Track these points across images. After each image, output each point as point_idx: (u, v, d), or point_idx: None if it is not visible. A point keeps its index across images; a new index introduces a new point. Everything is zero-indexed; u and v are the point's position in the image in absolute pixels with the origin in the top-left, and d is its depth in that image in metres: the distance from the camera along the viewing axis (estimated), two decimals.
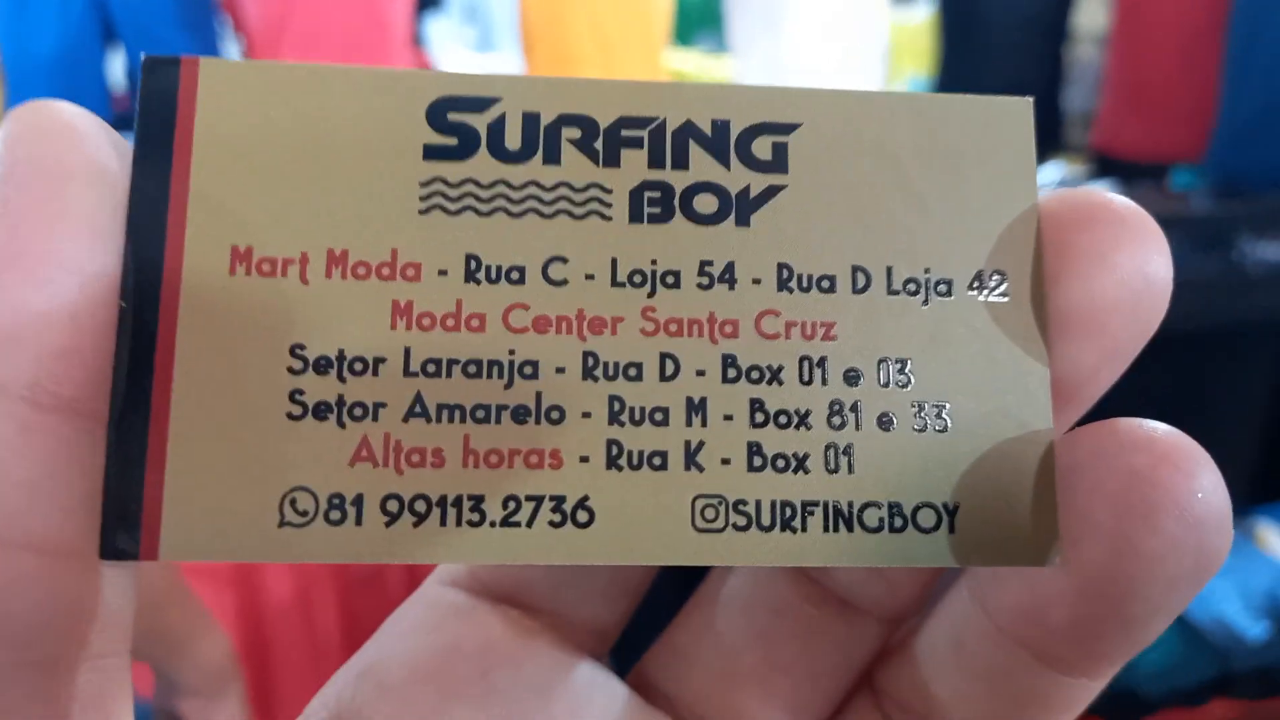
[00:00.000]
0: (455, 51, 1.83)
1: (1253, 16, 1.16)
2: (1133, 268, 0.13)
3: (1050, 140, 1.52)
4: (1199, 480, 0.12)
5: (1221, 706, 0.79)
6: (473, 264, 0.13)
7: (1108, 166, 1.37)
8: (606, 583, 0.16)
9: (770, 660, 0.15)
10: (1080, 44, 1.59)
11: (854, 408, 0.13)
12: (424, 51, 1.66)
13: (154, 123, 0.12)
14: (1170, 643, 0.79)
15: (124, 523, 0.11)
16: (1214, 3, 1.23)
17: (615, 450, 0.13)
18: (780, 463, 0.13)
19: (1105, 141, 1.41)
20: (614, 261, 0.13)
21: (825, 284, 0.13)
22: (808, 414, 0.13)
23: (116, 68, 1.44)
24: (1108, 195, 0.13)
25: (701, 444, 0.13)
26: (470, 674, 0.15)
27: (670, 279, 0.13)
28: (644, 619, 0.18)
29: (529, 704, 0.15)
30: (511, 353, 0.12)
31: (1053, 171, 1.26)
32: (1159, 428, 0.12)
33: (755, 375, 0.13)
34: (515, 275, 0.13)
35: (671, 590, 0.17)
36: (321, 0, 1.25)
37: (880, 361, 0.13)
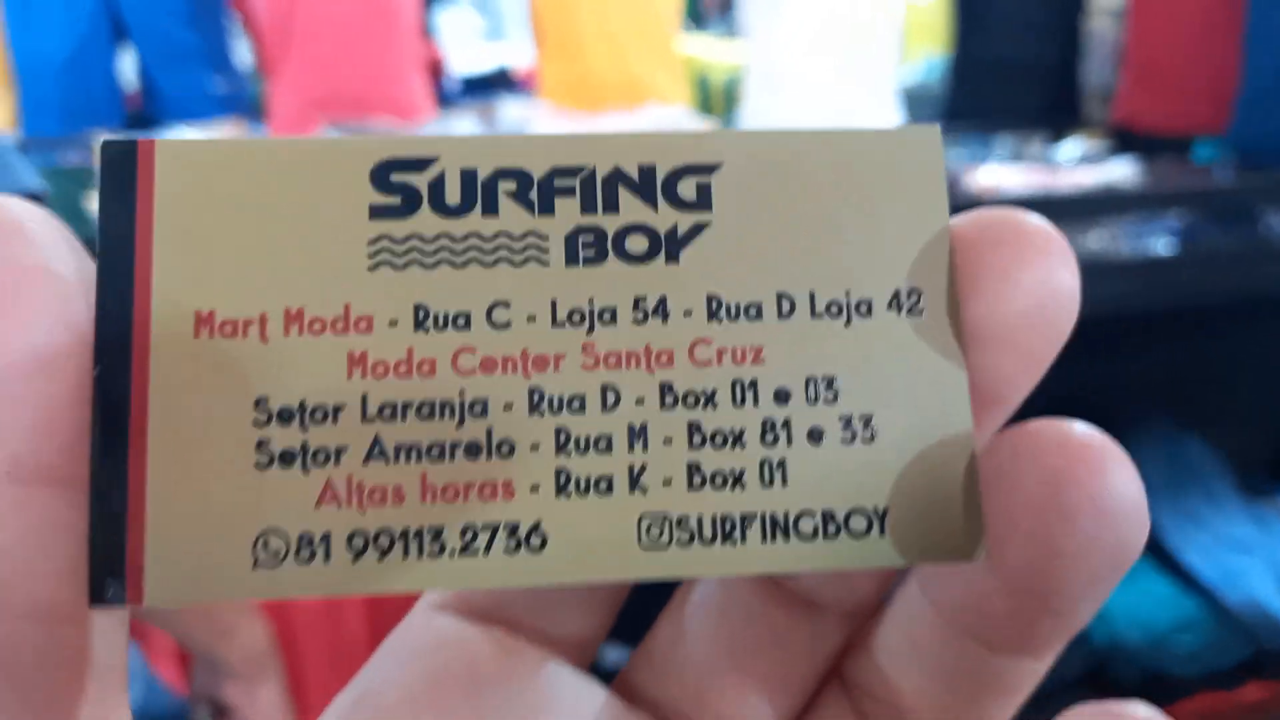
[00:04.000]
0: (465, 41, 1.83)
1: None
2: (1037, 282, 0.13)
3: (1069, 116, 1.50)
4: (1112, 477, 0.12)
5: (1256, 689, 0.78)
6: (421, 313, 0.13)
7: (1128, 141, 1.36)
8: (583, 598, 0.17)
9: (742, 662, 0.16)
10: (1097, 17, 1.57)
11: (785, 425, 0.14)
12: (434, 42, 1.66)
13: (115, 203, 0.13)
14: (1203, 624, 0.79)
15: (110, 575, 0.12)
16: None
17: (563, 478, 0.13)
18: (718, 480, 0.13)
19: (1125, 116, 1.40)
20: (554, 303, 0.14)
21: (752, 312, 0.14)
22: (742, 433, 0.14)
23: (128, 66, 1.44)
24: (1016, 214, 0.14)
25: (644, 467, 0.13)
26: (461, 694, 0.15)
27: (607, 316, 0.14)
28: (637, 624, 0.18)
29: (520, 718, 0.16)
30: (461, 393, 0.13)
31: (1072, 147, 1.25)
32: (1075, 427, 0.13)
33: (691, 400, 0.14)
34: (461, 321, 0.13)
35: (662, 596, 0.18)
36: None
37: (808, 380, 0.14)
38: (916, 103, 1.63)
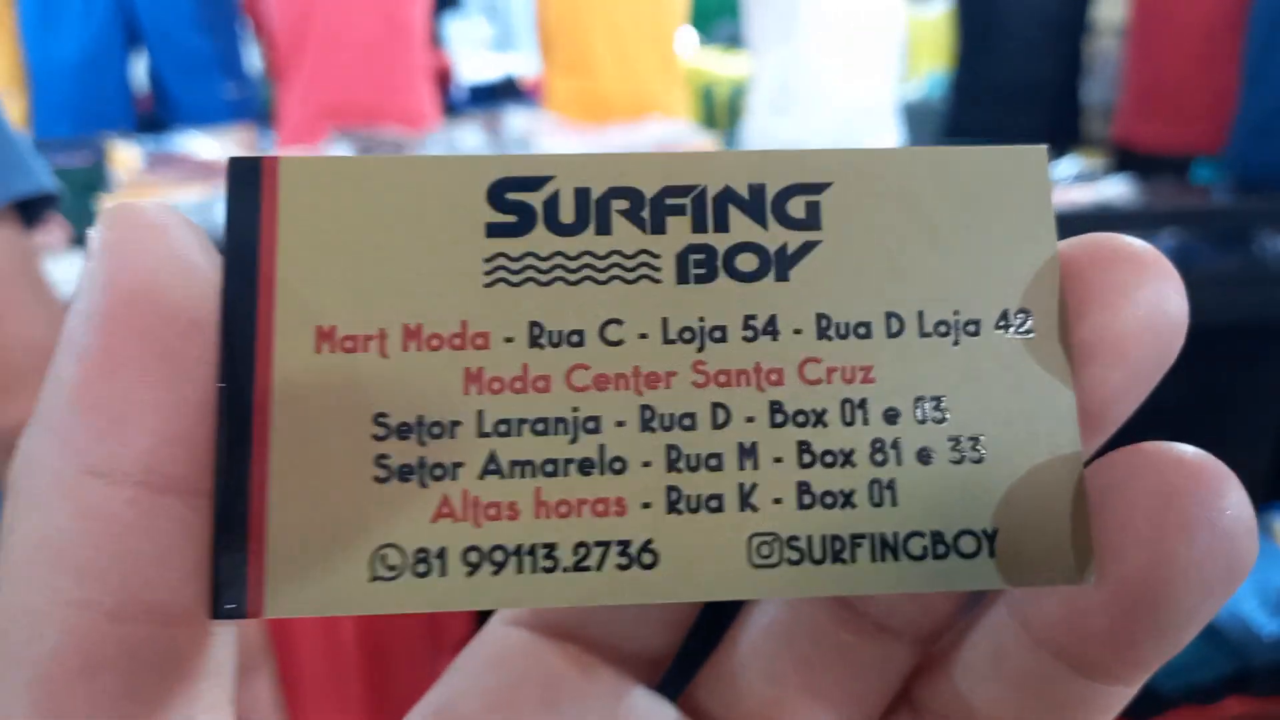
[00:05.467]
0: (474, 50, 1.84)
1: (1273, 10, 1.16)
2: (1153, 303, 0.14)
3: (1069, 134, 1.51)
4: (1228, 497, 0.13)
5: (1237, 704, 0.78)
6: (536, 330, 0.13)
7: (1127, 160, 1.36)
8: (657, 615, 0.17)
9: (811, 684, 0.16)
10: (1101, 37, 1.58)
11: (895, 444, 0.14)
12: (443, 52, 1.67)
13: (241, 217, 0.13)
14: None
15: (231, 587, 0.12)
16: None
17: (674, 495, 0.13)
18: (828, 499, 0.13)
19: (1125, 135, 1.41)
20: (665, 321, 0.14)
21: (862, 330, 0.14)
22: (852, 453, 0.14)
23: (140, 70, 1.45)
24: (1123, 238, 0.14)
25: (754, 485, 0.13)
26: (538, 705, 0.16)
27: (718, 334, 0.14)
28: (685, 645, 0.18)
29: None
30: (575, 410, 0.13)
31: (1070, 165, 1.26)
32: (1188, 450, 0.13)
33: (801, 419, 0.14)
34: (575, 338, 0.14)
35: (713, 618, 0.18)
36: (341, 2, 1.26)
37: (917, 400, 0.14)
38: (919, 119, 1.64)
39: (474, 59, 1.80)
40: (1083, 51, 1.53)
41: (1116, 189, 1.13)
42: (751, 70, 1.45)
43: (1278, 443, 1.05)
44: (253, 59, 1.47)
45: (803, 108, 1.33)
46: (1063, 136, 1.48)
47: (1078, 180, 1.19)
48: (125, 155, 1.17)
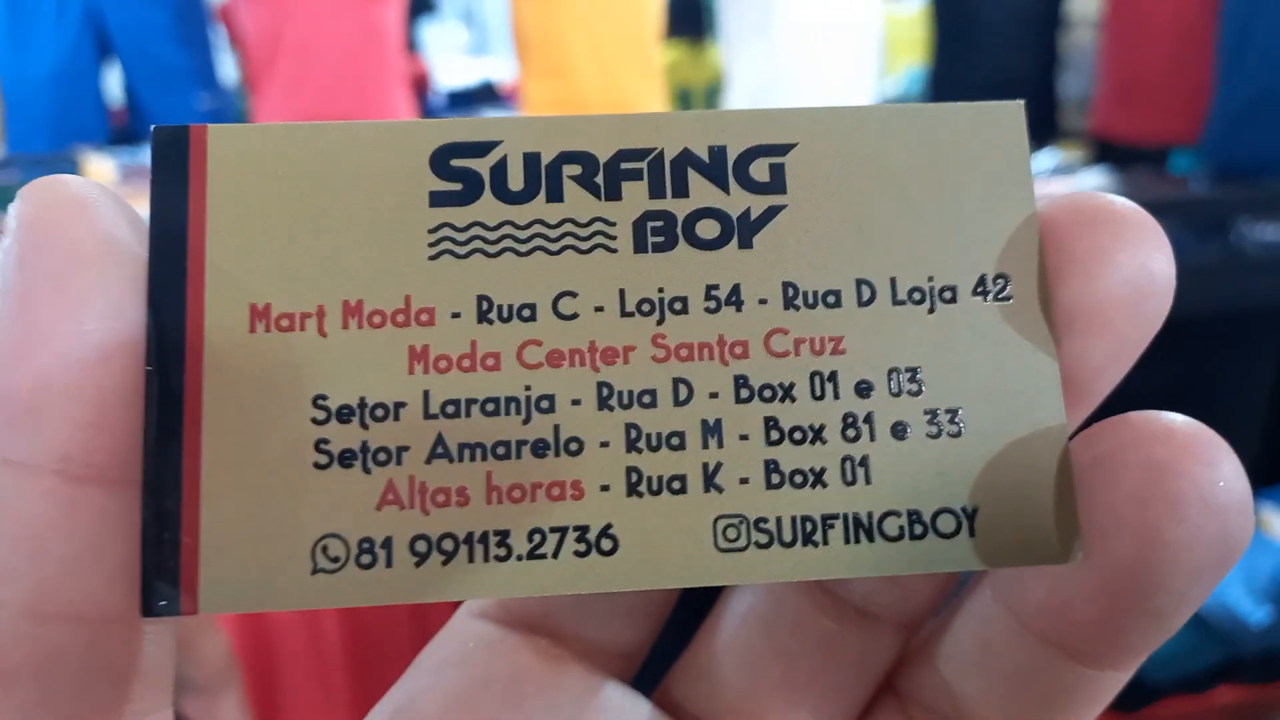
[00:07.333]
0: (450, 56, 1.83)
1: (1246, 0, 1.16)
2: (1136, 265, 0.13)
3: (1046, 127, 1.52)
4: (1220, 469, 0.12)
5: (1227, 692, 0.79)
6: (484, 305, 0.13)
7: (1105, 152, 1.37)
8: (630, 606, 0.16)
9: (791, 675, 0.16)
10: (1077, 29, 1.58)
11: (867, 419, 0.13)
12: (419, 57, 1.66)
13: (167, 191, 0.12)
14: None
15: (163, 581, 0.12)
16: None
17: (635, 477, 0.13)
18: (798, 478, 0.13)
19: (1102, 127, 1.41)
20: (622, 292, 0.13)
21: (831, 299, 0.13)
22: (822, 428, 0.13)
23: (113, 83, 1.45)
24: (1108, 196, 0.13)
25: (719, 465, 0.13)
26: (503, 703, 0.15)
27: (678, 305, 0.13)
28: (664, 638, 0.18)
29: None
30: (527, 388, 0.13)
31: (1048, 159, 1.26)
32: (1177, 419, 0.12)
33: (767, 394, 0.13)
34: (526, 313, 0.13)
35: (689, 608, 0.18)
36: (315, 10, 1.25)
37: (890, 371, 0.13)
38: None
39: (451, 64, 1.80)
40: (1058, 45, 1.53)
41: (1095, 181, 1.13)
42: (727, 68, 1.45)
43: (1262, 431, 1.05)
44: (227, 69, 1.46)
45: (780, 105, 1.33)
46: (1040, 130, 1.49)
47: (1056, 173, 1.19)
48: (100, 168, 1.16)
